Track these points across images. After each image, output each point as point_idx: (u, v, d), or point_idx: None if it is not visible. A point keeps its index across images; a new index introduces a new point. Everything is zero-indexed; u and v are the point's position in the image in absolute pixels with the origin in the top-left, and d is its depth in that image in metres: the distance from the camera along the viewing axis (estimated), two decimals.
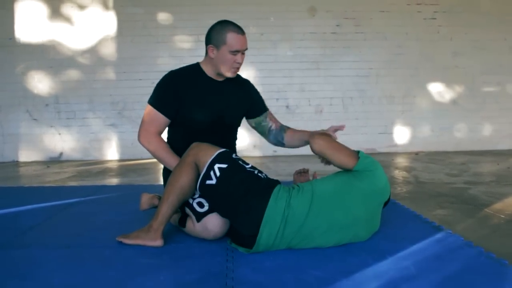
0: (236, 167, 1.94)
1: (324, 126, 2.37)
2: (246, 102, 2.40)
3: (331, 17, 6.28)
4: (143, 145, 2.25)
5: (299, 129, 2.43)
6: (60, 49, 6.04)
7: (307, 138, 2.21)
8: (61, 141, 6.16)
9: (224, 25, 2.16)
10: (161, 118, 2.23)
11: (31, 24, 6.00)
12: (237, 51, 2.15)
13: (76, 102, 6.12)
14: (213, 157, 1.94)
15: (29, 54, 6.01)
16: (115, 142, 6.21)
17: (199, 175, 1.95)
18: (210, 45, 2.19)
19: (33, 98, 6.07)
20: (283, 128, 2.46)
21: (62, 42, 6.03)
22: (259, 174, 1.98)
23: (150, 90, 2.17)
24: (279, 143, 2.48)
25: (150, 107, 2.25)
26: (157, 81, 2.31)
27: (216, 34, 2.16)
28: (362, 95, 6.39)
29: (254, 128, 2.52)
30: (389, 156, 5.86)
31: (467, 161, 5.24)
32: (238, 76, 2.40)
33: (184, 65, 2.37)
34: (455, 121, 6.52)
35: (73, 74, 6.08)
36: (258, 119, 2.46)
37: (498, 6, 6.41)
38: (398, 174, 4.31)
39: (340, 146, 2.00)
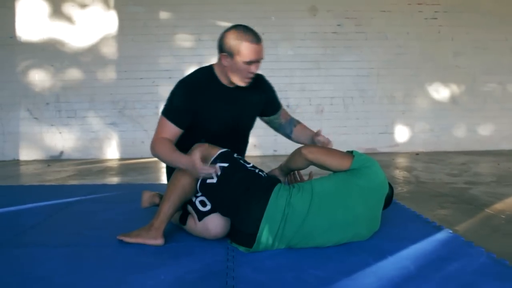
0: (237, 166, 1.94)
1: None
2: (260, 105, 2.34)
3: (332, 16, 6.27)
4: (154, 154, 2.10)
5: (306, 128, 2.43)
6: (61, 47, 6.04)
7: (312, 136, 2.26)
8: (62, 140, 6.16)
9: (238, 33, 2.02)
10: (174, 129, 2.12)
11: (32, 22, 6.00)
12: (252, 62, 2.05)
13: (77, 101, 6.12)
14: (214, 156, 1.96)
15: (30, 53, 6.01)
16: (115, 141, 6.21)
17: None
18: (223, 53, 2.07)
19: (33, 96, 6.07)
20: (293, 122, 2.45)
21: (63, 41, 6.03)
22: (260, 173, 1.98)
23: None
24: (287, 136, 2.47)
25: (163, 118, 2.13)
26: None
27: (229, 41, 2.02)
28: (362, 95, 6.39)
29: (266, 123, 2.50)
30: (389, 156, 5.86)
31: (468, 161, 5.24)
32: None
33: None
34: (456, 121, 6.52)
35: (73, 73, 6.08)
36: (271, 118, 2.44)
37: (499, 6, 6.40)
38: (399, 174, 4.31)
39: (332, 150, 2.04)
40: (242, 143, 2.40)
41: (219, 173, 1.90)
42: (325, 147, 2.11)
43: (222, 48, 2.07)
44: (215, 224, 1.98)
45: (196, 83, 2.16)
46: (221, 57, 2.08)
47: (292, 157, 2.08)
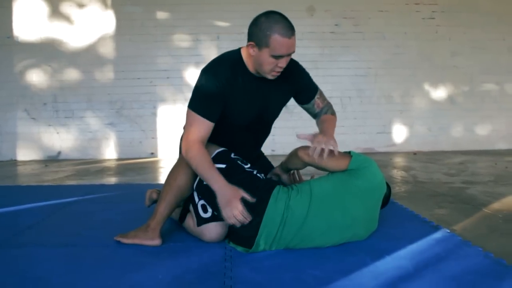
0: (234, 168, 1.93)
1: None
2: (289, 95, 2.18)
3: (330, 16, 6.28)
4: (186, 158, 1.90)
5: (325, 121, 2.17)
6: (58, 47, 6.03)
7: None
8: (59, 140, 6.15)
9: (270, 23, 1.82)
10: (207, 124, 1.93)
11: (29, 22, 5.99)
12: (281, 56, 1.86)
13: (75, 101, 6.11)
14: (211, 157, 1.94)
15: (27, 53, 6.00)
16: (113, 141, 6.21)
17: (196, 174, 1.94)
18: (251, 42, 1.88)
19: (31, 97, 6.06)
20: (322, 112, 2.24)
21: (61, 41, 6.02)
22: (258, 175, 1.97)
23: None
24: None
25: (192, 113, 1.93)
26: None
27: (259, 31, 1.83)
28: (360, 94, 6.39)
29: (304, 109, 2.31)
30: (387, 156, 5.86)
31: (465, 160, 5.25)
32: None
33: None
34: (453, 121, 6.53)
35: (71, 73, 6.08)
36: (305, 106, 2.25)
37: (496, 6, 6.41)
38: (397, 173, 4.31)
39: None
40: (263, 134, 2.29)
41: (246, 222, 1.80)
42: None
43: (250, 36, 1.88)
44: (212, 233, 1.97)
45: (223, 72, 1.95)
46: (249, 46, 1.90)
47: (290, 157, 2.07)
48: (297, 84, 2.15)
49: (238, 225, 1.80)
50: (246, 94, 2.00)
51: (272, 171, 2.24)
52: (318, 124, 2.22)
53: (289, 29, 1.83)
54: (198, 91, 1.96)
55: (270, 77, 1.94)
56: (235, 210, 1.78)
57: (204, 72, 1.98)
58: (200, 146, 1.89)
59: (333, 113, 2.25)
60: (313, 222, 1.82)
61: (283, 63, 1.88)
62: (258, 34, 1.83)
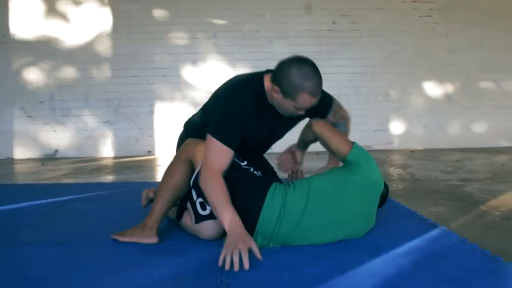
0: (231, 165, 1.93)
1: None
2: (300, 120, 2.21)
3: (327, 14, 6.28)
4: (201, 186, 1.85)
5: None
6: (55, 45, 6.01)
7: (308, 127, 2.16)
8: (56, 138, 6.14)
9: (301, 79, 1.80)
10: (230, 154, 1.89)
11: (26, 20, 5.97)
12: (304, 108, 1.90)
13: (71, 99, 6.10)
14: None
15: (24, 51, 5.99)
16: (110, 139, 6.20)
17: (193, 171, 1.94)
18: (276, 86, 1.86)
19: (27, 95, 6.05)
20: None
21: (57, 39, 6.01)
22: (255, 172, 1.97)
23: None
24: None
25: (217, 142, 1.86)
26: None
27: (287, 83, 1.82)
28: (357, 92, 6.40)
29: None
30: (384, 153, 5.87)
31: (462, 158, 5.26)
32: None
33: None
34: (451, 118, 6.54)
35: (68, 71, 6.06)
36: None
37: (493, 3, 6.43)
38: (394, 171, 4.32)
39: (338, 131, 2.10)
40: (265, 149, 2.37)
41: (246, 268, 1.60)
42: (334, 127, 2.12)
43: (277, 80, 1.86)
44: (209, 230, 1.96)
45: (248, 104, 1.94)
46: (273, 88, 1.88)
47: (304, 129, 2.16)
48: (312, 114, 2.12)
49: (227, 267, 1.61)
50: (261, 123, 2.03)
51: (288, 148, 2.31)
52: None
53: (319, 87, 1.85)
54: (223, 119, 1.92)
55: (287, 115, 2.00)
56: (236, 256, 1.61)
57: (229, 99, 1.95)
58: (221, 180, 1.83)
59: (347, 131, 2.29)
60: (310, 218, 1.82)
61: (303, 111, 1.93)
62: (286, 84, 1.82)
